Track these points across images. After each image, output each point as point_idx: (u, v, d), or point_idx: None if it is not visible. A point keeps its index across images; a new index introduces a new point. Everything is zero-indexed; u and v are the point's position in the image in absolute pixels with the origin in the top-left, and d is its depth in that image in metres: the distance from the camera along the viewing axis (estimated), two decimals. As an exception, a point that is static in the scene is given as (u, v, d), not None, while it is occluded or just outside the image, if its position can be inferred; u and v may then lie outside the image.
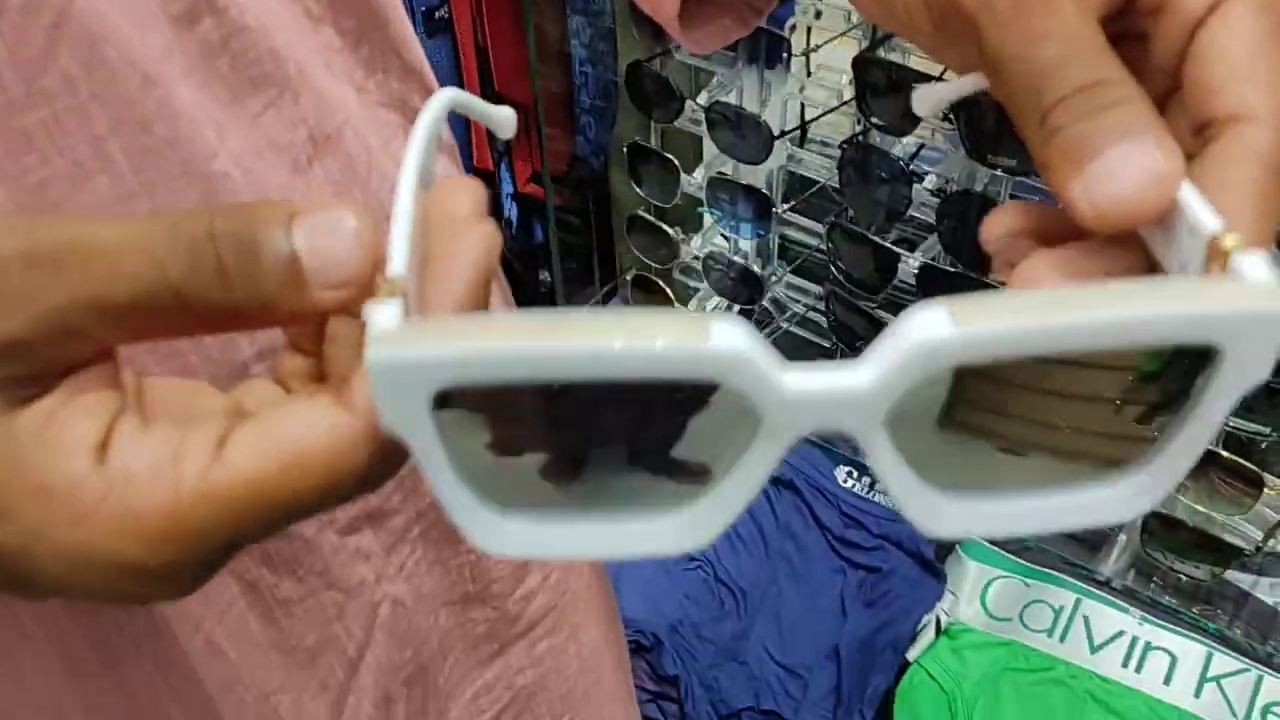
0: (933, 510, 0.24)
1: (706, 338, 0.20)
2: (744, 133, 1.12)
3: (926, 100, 0.39)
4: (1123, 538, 1.12)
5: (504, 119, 0.33)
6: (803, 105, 1.15)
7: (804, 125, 1.15)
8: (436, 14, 1.15)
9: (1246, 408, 0.98)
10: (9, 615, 0.34)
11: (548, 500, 0.24)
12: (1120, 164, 0.24)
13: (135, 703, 0.38)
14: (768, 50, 1.11)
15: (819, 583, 1.25)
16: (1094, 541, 1.16)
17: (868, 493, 1.28)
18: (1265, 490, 0.97)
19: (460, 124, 1.28)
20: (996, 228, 0.28)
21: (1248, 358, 0.22)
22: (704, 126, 1.13)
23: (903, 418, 0.23)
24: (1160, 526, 1.06)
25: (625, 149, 1.22)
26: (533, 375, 0.21)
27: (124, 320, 0.23)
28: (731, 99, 1.13)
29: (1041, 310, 0.21)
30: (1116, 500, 0.25)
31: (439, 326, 0.22)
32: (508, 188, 1.36)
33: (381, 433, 0.22)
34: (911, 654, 1.16)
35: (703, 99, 1.12)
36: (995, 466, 0.26)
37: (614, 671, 0.65)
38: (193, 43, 0.34)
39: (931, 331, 0.21)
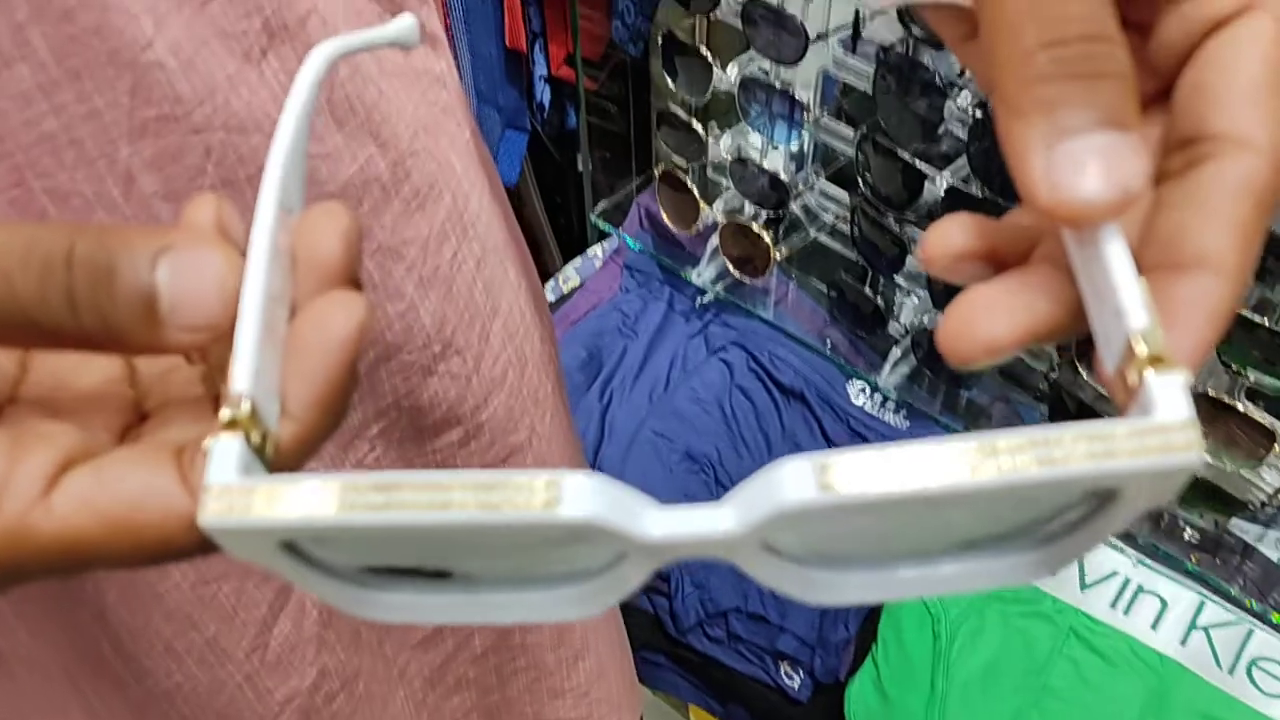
0: (831, 586, 0.24)
1: (558, 505, 0.20)
2: (781, 31, 1.07)
3: None
4: (1128, 480, 1.11)
5: (402, 34, 0.31)
6: (857, 11, 1.10)
7: (856, 28, 1.10)
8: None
9: (1269, 361, 0.94)
10: None
11: (425, 585, 0.25)
12: (1101, 157, 0.21)
13: (69, 583, 0.39)
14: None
15: (819, 495, 1.25)
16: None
17: (878, 410, 1.27)
18: (1277, 446, 0.94)
19: (493, 1, 1.24)
20: (939, 248, 0.25)
21: (1148, 498, 0.21)
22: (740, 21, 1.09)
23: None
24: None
25: (660, 39, 1.18)
26: (372, 540, 0.21)
27: None
28: (772, -4, 1.08)
29: (914, 475, 0.20)
30: (1014, 569, 0.24)
31: (274, 486, 0.21)
32: (541, 70, 1.33)
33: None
34: (903, 574, 1.16)
35: (741, -9, 1.08)
36: (890, 546, 0.25)
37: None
38: None
39: (795, 494, 0.20)
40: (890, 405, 1.26)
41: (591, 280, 1.43)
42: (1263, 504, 1.00)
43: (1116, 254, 0.21)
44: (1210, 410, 0.98)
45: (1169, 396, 0.20)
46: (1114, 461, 0.19)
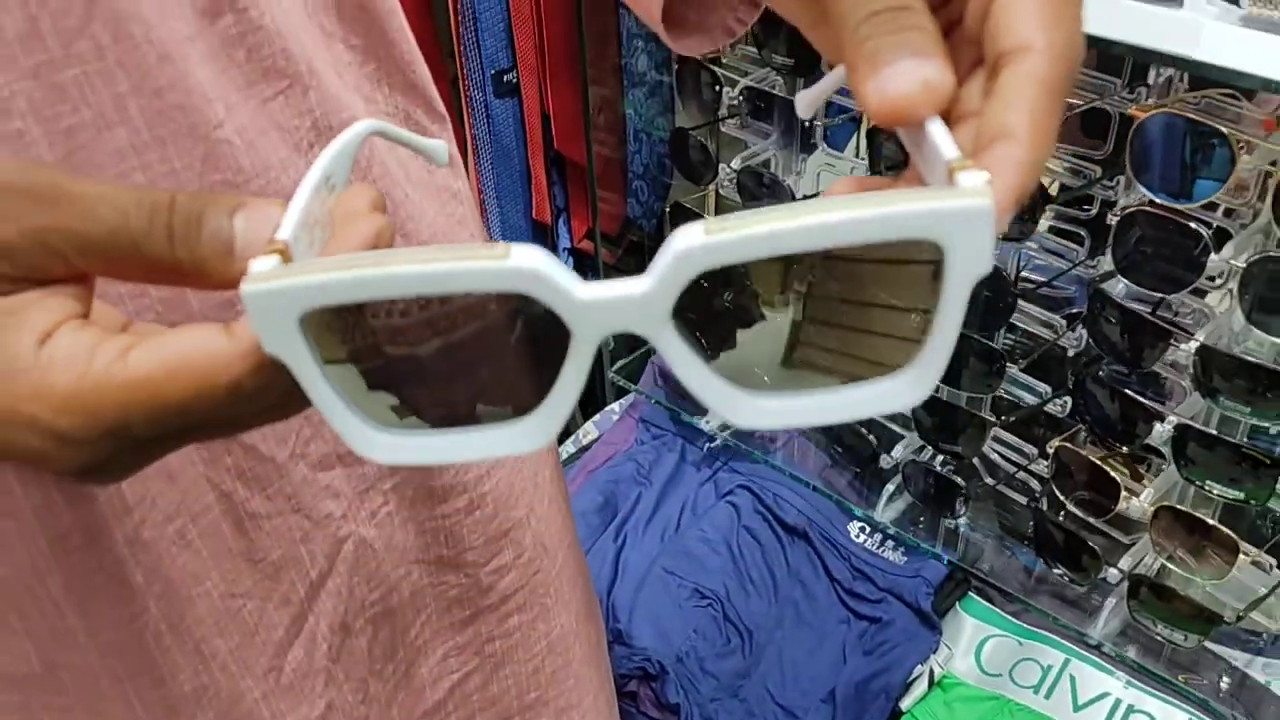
0: (730, 402, 0.28)
1: (507, 257, 0.25)
2: (772, 199, 1.21)
3: (805, 102, 0.44)
4: (1111, 601, 1.16)
5: (434, 149, 0.38)
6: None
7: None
8: (505, 77, 1.28)
9: (1232, 479, 1.02)
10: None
11: (412, 423, 0.30)
12: (907, 72, 0.29)
13: (111, 579, 0.43)
14: (802, 130, 1.21)
15: (824, 630, 1.30)
16: (1086, 606, 1.19)
17: (878, 548, 1.33)
18: (1241, 556, 1.00)
19: (522, 179, 1.40)
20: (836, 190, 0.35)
21: (965, 252, 0.26)
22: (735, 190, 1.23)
23: (700, 325, 0.27)
24: (1148, 593, 1.09)
25: (669, 209, 1.32)
26: (371, 294, 0.26)
27: (90, 252, 0.29)
28: (765, 167, 1.23)
29: (782, 217, 0.25)
30: (896, 392, 0.28)
31: (298, 267, 0.27)
32: (564, 242, 1.48)
33: (254, 355, 0.28)
34: (905, 703, 1.20)
35: (736, 164, 1.23)
36: (788, 371, 0.30)
37: (582, 666, 0.68)
38: (214, 34, 0.40)
39: (686, 242, 0.25)
40: (889, 544, 1.33)
41: (609, 433, 1.53)
42: (1239, 617, 1.05)
43: (937, 130, 0.29)
44: (1179, 525, 1.04)
45: (970, 177, 0.26)
46: (926, 203, 0.25)
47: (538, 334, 0.28)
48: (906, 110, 0.29)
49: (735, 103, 1.18)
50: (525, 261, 0.26)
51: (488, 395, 0.30)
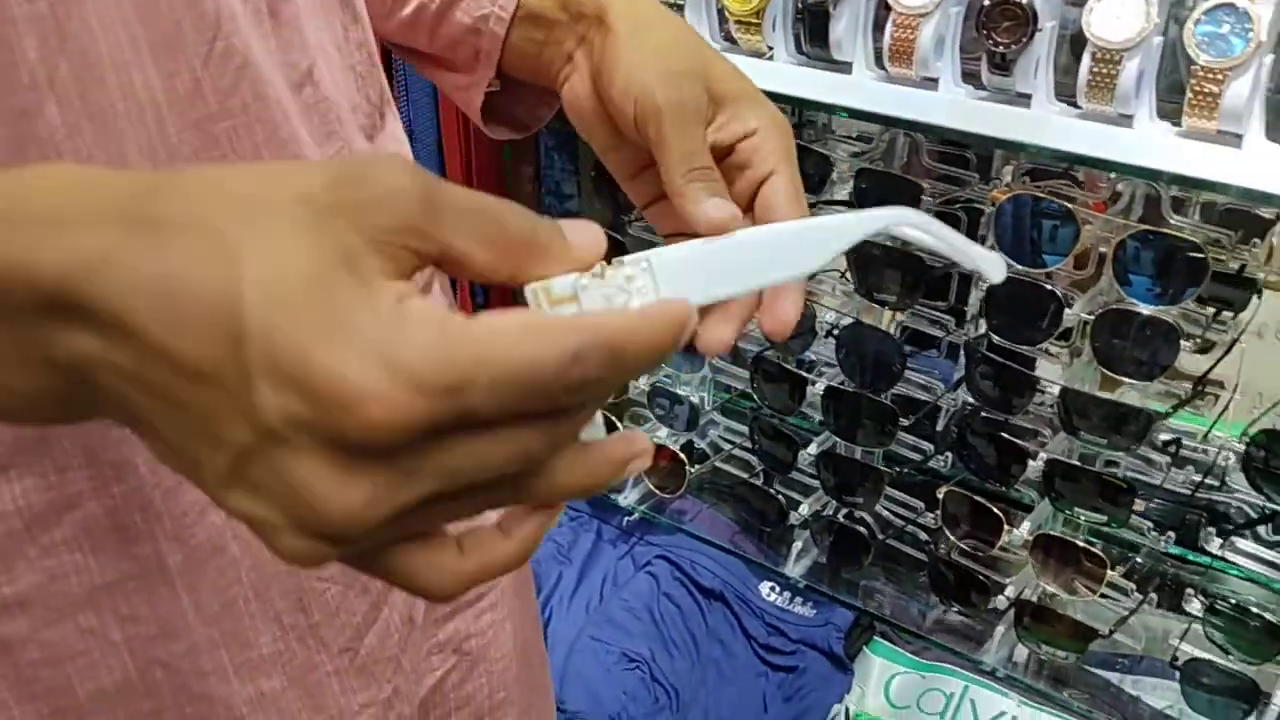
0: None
1: None
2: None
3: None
4: (1000, 629, 1.30)
5: (991, 264, 0.39)
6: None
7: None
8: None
9: (1094, 506, 1.18)
10: None
11: None
12: (716, 204, 0.44)
13: (215, 551, 0.48)
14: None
15: (744, 684, 1.40)
16: (979, 636, 1.33)
17: (788, 604, 1.45)
18: (1109, 572, 1.16)
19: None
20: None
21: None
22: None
23: None
24: (1031, 618, 1.24)
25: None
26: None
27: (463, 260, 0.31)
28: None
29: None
30: None
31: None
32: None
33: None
34: (824, 742, 1.30)
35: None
36: None
37: (540, 672, 0.73)
38: (300, 101, 0.48)
39: None
40: (798, 600, 1.45)
41: (527, 517, 1.61)
42: (1111, 632, 1.20)
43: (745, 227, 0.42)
44: (1055, 548, 1.20)
45: None
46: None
47: None
48: (722, 227, 0.43)
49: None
50: None
51: None
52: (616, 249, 0.40)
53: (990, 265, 0.38)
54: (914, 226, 0.37)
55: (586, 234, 0.33)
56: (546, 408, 0.29)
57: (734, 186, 0.49)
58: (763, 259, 0.37)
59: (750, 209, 0.49)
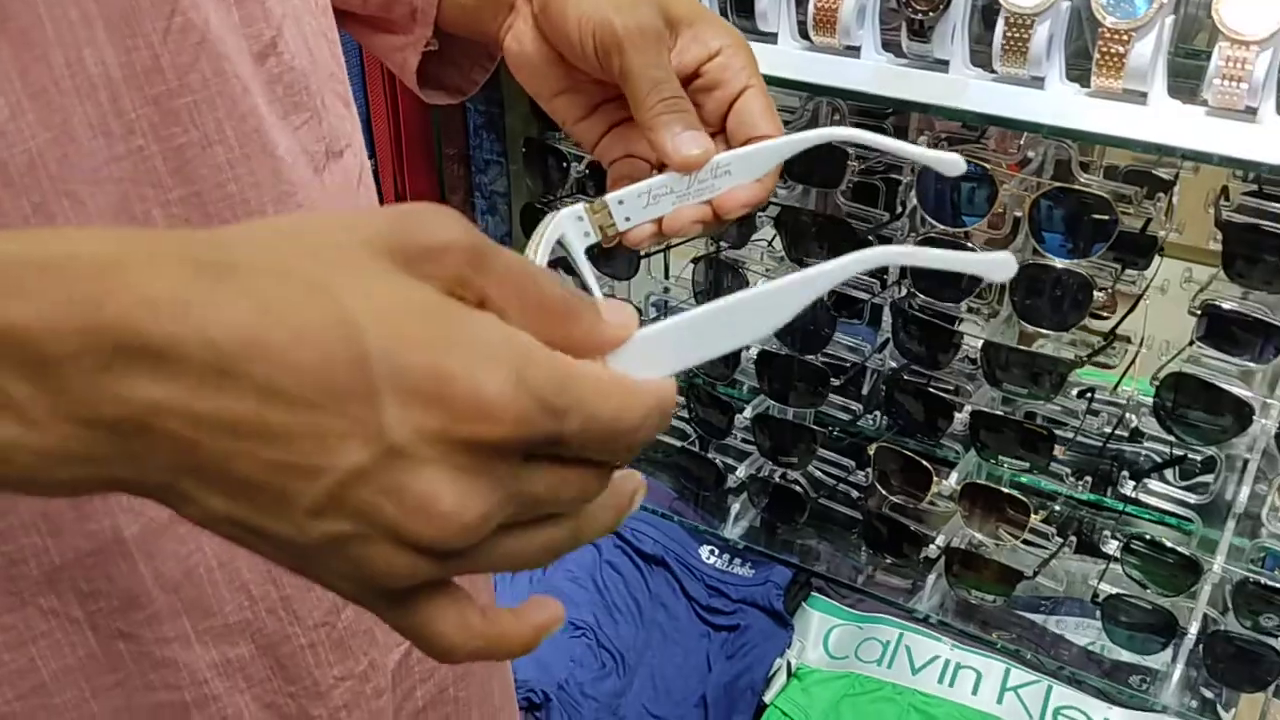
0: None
1: None
2: (610, 265, 1.39)
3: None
4: (932, 578, 1.36)
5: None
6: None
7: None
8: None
9: (1017, 454, 1.24)
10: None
11: None
12: (690, 139, 0.47)
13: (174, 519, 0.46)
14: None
15: (688, 645, 1.43)
16: (911, 586, 1.39)
17: (728, 566, 1.49)
18: (1031, 517, 1.22)
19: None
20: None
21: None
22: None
23: None
24: (960, 565, 1.30)
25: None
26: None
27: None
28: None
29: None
30: None
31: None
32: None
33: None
34: (768, 696, 1.35)
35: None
36: None
37: (503, 682, 0.75)
38: (264, 72, 0.47)
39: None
40: (737, 561, 1.49)
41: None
42: (1035, 573, 1.27)
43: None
44: (981, 496, 1.26)
45: None
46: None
47: None
48: (692, 164, 0.46)
49: (581, 176, 1.35)
50: None
51: None
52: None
53: (947, 164, 0.44)
54: (869, 261, 0.38)
55: (620, 314, 0.33)
56: (608, 455, 0.31)
57: (703, 110, 0.49)
58: (739, 323, 0.36)
59: (722, 130, 0.50)
